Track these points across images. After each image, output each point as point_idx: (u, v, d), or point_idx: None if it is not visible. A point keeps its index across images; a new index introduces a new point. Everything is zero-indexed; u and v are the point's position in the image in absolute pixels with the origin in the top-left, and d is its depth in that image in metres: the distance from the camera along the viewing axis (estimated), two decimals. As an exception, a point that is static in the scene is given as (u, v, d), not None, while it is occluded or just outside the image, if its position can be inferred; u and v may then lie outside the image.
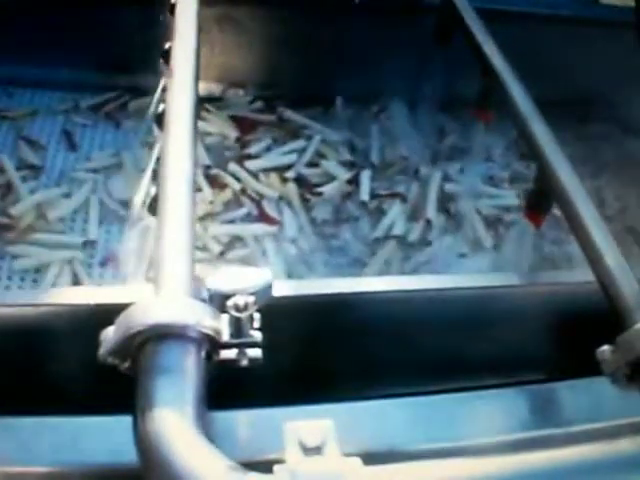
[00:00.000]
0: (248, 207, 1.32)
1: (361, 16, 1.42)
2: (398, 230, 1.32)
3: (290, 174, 1.38)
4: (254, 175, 1.37)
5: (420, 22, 1.34)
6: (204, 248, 1.23)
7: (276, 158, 1.42)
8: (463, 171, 1.46)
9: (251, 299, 0.52)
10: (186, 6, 0.88)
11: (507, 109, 0.90)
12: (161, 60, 0.84)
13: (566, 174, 0.77)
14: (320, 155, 1.44)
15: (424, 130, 1.52)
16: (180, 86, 0.74)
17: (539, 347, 0.80)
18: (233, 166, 1.37)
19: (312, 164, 1.42)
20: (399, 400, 0.68)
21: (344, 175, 1.39)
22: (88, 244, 1.22)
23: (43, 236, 1.22)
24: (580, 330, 0.75)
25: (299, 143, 1.45)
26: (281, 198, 1.34)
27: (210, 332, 0.50)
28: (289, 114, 1.49)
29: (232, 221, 1.30)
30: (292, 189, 1.36)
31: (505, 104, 0.90)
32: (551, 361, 0.80)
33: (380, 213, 1.35)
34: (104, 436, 0.61)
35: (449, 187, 1.42)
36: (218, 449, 0.43)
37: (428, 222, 1.34)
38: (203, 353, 0.50)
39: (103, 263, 1.20)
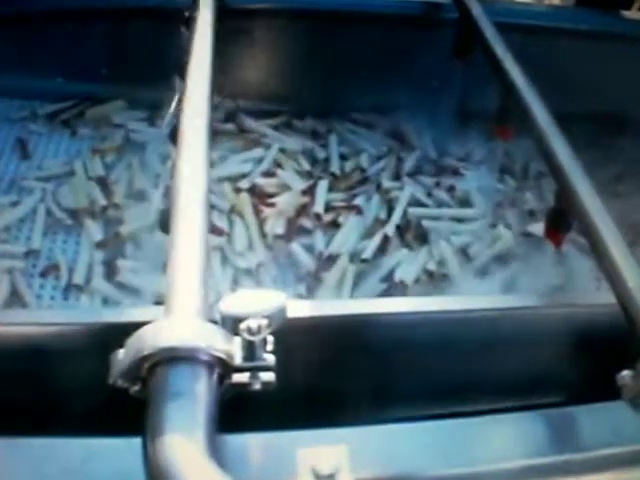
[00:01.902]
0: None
1: (374, 29, 1.42)
2: (352, 246, 1.26)
3: (244, 184, 1.33)
4: (207, 185, 1.33)
5: (424, 35, 1.36)
6: (146, 258, 1.19)
7: (231, 167, 1.37)
8: (431, 185, 1.40)
9: (264, 322, 0.51)
10: (202, 21, 0.88)
11: (526, 126, 0.89)
12: (176, 75, 0.84)
13: (586, 193, 0.76)
14: (278, 165, 1.39)
15: (394, 142, 1.48)
16: (195, 102, 0.74)
17: (558, 370, 0.79)
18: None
19: (268, 174, 1.37)
20: (414, 424, 0.66)
21: (300, 185, 1.34)
22: (31, 254, 1.20)
23: (-15, 245, 1.20)
24: (600, 353, 0.73)
25: (257, 152, 1.41)
26: (232, 209, 1.29)
27: (222, 355, 0.49)
28: (250, 123, 1.45)
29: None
30: (245, 199, 1.31)
31: (525, 121, 0.89)
32: (570, 385, 0.79)
33: (335, 227, 1.29)
34: (114, 458, 0.60)
35: (412, 202, 1.36)
36: (229, 474, 0.42)
37: (386, 238, 1.27)
38: (215, 376, 0.49)
39: (44, 273, 1.18)
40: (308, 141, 1.45)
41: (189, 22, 0.90)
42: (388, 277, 1.22)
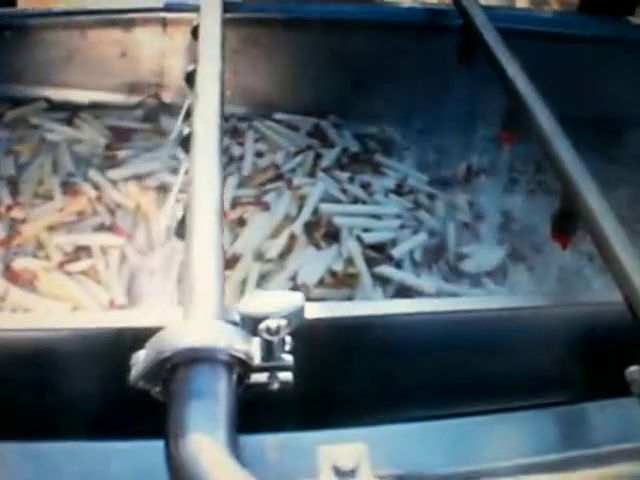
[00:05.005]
0: (103, 217, 1.25)
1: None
2: (258, 244, 1.21)
3: (151, 182, 1.30)
4: (114, 184, 1.30)
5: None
6: (45, 257, 1.18)
7: (141, 166, 1.35)
8: (344, 181, 1.36)
9: (283, 322, 0.51)
10: (210, 29, 0.89)
11: (531, 130, 0.90)
12: (185, 83, 0.85)
13: (592, 194, 0.77)
14: (190, 162, 1.37)
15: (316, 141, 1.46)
16: (206, 109, 0.75)
17: (567, 368, 0.80)
18: (94, 174, 1.32)
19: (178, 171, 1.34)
20: (431, 423, 0.68)
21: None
22: None
23: None
24: (608, 350, 0.74)
25: (168, 150, 1.36)
26: (137, 208, 1.26)
27: (241, 356, 0.50)
28: (169, 122, 1.42)
29: (83, 231, 1.23)
30: (151, 198, 1.28)
31: (529, 125, 0.90)
32: (579, 382, 0.79)
33: (242, 224, 1.25)
34: (135, 461, 0.60)
35: (326, 198, 1.31)
36: (251, 473, 0.43)
37: (293, 237, 1.22)
38: (234, 377, 0.50)
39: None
40: (226, 139, 1.39)
41: (196, 30, 0.91)
42: (294, 277, 1.17)
